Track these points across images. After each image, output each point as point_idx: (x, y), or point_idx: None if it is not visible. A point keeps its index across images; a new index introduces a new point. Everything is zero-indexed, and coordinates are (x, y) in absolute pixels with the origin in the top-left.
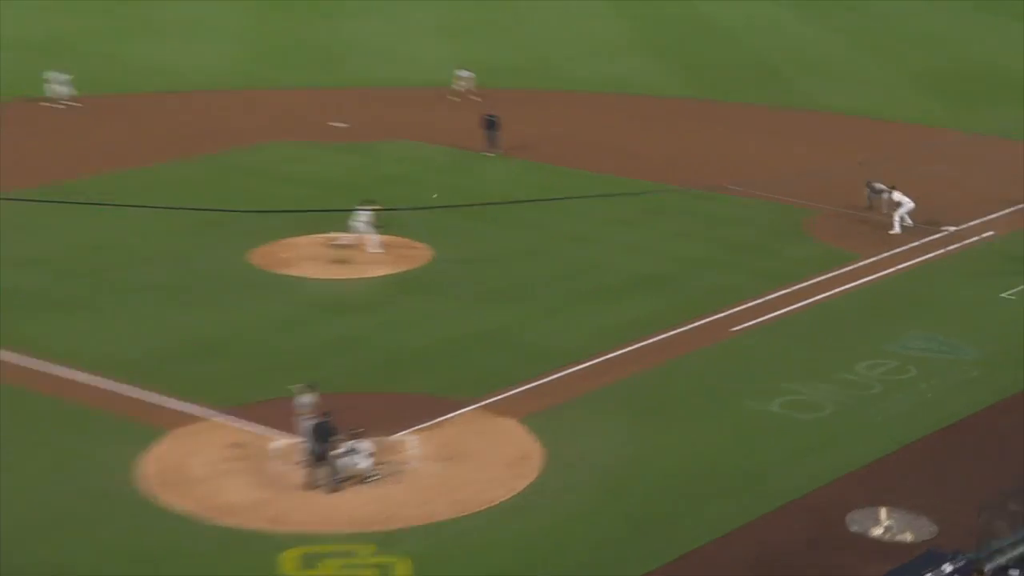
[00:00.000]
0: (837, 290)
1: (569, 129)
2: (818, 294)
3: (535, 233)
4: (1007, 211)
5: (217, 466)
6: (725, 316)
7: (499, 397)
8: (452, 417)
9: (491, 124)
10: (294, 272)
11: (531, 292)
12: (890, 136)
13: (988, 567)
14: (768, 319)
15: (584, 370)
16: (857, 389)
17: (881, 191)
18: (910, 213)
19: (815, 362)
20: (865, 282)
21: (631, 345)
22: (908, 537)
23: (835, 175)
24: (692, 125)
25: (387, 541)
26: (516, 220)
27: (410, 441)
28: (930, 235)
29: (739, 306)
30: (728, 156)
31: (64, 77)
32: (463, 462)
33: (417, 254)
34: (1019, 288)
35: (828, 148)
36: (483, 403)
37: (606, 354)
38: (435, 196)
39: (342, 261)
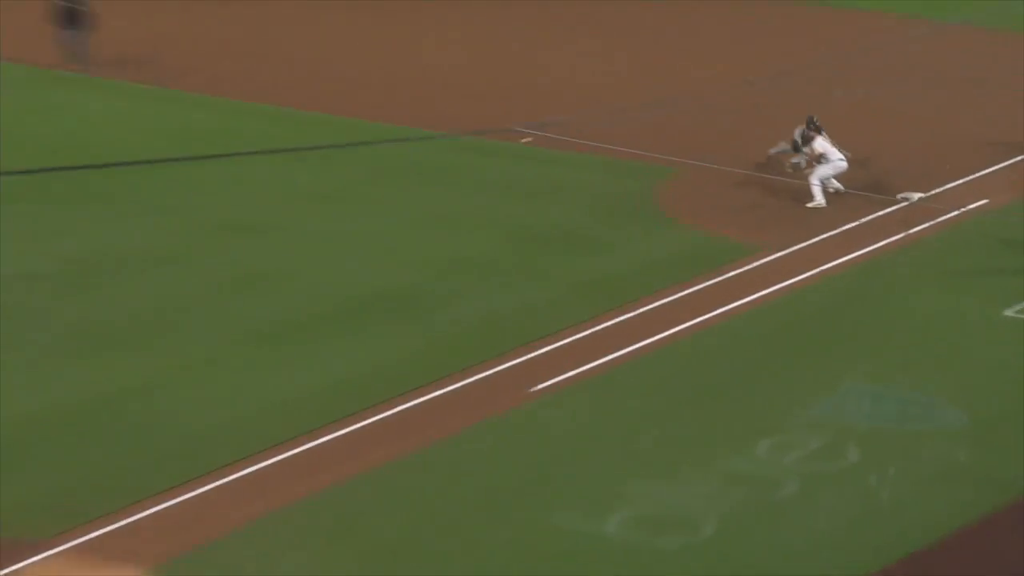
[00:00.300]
0: (719, 311)
1: (223, 27)
2: (685, 320)
3: (167, 222)
4: (1011, 162)
5: None
6: (519, 364)
7: (102, 531)
8: (16, 572)
9: (72, 16)
10: None
11: (160, 331)
12: (806, 32)
13: None
14: (596, 368)
15: (262, 472)
16: (758, 489)
17: (809, 138)
18: (840, 175)
19: (683, 443)
20: (769, 295)
21: (347, 425)
22: None
23: (713, 107)
24: (452, 21)
25: None
26: (131, 198)
27: None
28: (880, 209)
29: (544, 346)
30: (521, 75)
31: None
32: None
33: None
34: None
35: (696, 56)
36: (73, 543)
37: (300, 443)
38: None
39: None
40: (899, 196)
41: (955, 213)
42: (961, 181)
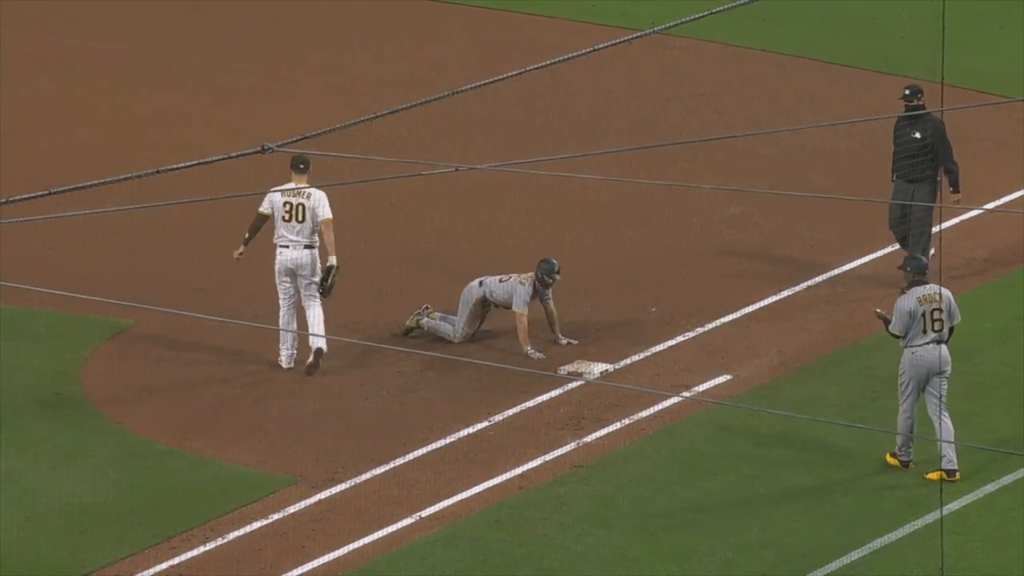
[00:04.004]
0: None
1: None
2: None
3: None
4: (776, 298)
5: None
6: None
7: None
8: None
9: None
10: None
11: None
12: None
13: None
14: None
15: None
16: None
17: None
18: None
19: None
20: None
21: None
22: None
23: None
24: None
25: None
26: None
27: None
28: (537, 394)
29: None
30: None
31: None
32: None
33: None
34: None
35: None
36: None
37: None
38: None
39: None
40: (564, 370)
41: (670, 401)
42: (681, 338)
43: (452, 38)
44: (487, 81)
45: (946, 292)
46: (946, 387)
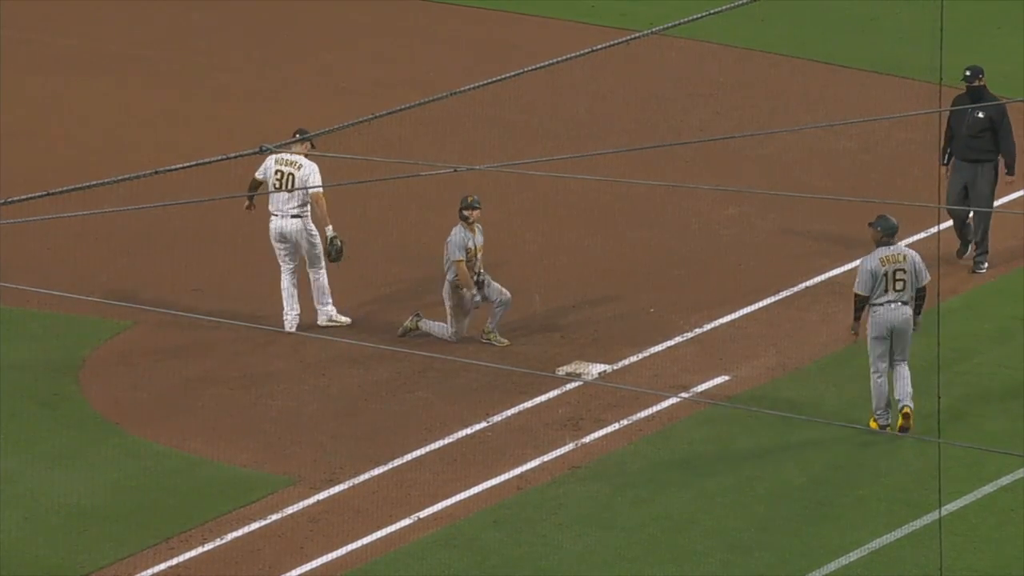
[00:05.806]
0: None
1: None
2: None
3: None
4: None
5: None
6: None
7: None
8: None
9: None
10: None
11: None
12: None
13: None
14: None
15: None
16: None
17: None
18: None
19: None
20: None
21: None
22: None
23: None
24: None
25: None
26: None
27: None
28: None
29: None
30: None
31: None
32: None
33: None
34: None
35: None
36: None
37: None
38: None
39: None
40: (562, 371)
41: (668, 402)
42: (679, 339)
43: (451, 38)
44: (486, 82)
45: (912, 254)
46: (908, 345)
